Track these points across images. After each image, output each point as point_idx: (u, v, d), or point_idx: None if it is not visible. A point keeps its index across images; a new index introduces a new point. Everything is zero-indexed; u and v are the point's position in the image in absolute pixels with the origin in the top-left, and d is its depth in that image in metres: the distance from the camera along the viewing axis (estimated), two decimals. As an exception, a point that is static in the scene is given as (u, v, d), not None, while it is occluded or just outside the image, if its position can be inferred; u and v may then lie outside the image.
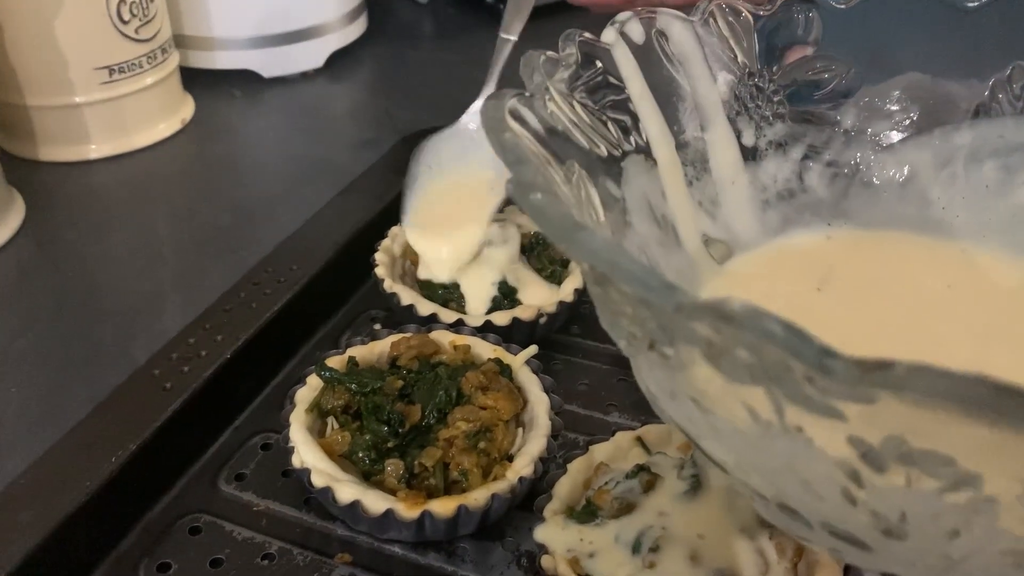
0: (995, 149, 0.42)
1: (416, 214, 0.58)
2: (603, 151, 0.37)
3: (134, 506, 0.45)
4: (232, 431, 0.50)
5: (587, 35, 0.38)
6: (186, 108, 0.83)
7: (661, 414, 0.32)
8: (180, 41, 0.84)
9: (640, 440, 0.44)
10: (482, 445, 0.43)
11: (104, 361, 0.54)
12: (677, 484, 0.40)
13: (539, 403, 0.46)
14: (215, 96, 0.86)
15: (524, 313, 0.53)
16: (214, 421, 0.50)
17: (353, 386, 0.45)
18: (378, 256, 0.57)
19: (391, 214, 0.59)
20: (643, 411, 0.50)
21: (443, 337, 0.49)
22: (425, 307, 0.53)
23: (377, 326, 0.54)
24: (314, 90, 0.89)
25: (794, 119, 0.44)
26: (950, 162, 0.43)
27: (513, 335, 0.52)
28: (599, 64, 0.38)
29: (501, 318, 0.52)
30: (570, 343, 0.56)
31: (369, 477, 0.43)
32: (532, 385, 0.47)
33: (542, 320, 0.53)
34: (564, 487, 0.42)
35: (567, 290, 0.55)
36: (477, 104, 0.62)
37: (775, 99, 0.43)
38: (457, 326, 0.51)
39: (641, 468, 0.41)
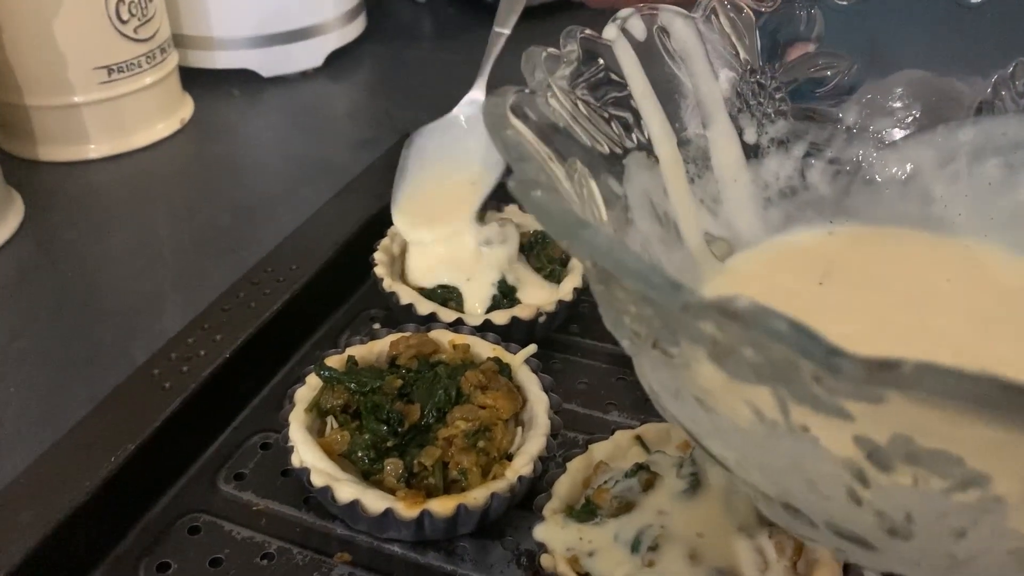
0: (998, 146, 0.42)
1: (406, 202, 0.59)
2: (605, 148, 0.37)
3: (133, 506, 0.45)
4: (231, 431, 0.50)
5: (588, 32, 0.38)
6: (185, 108, 0.82)
7: (664, 413, 0.32)
8: (179, 41, 0.84)
9: (639, 439, 0.43)
10: (481, 444, 0.43)
11: (104, 361, 0.54)
12: (676, 483, 0.40)
13: (538, 402, 0.46)
14: (214, 96, 0.86)
15: (523, 312, 0.53)
16: (213, 421, 0.49)
17: (352, 385, 0.45)
18: (377, 255, 0.56)
19: (390, 214, 0.59)
20: (642, 410, 0.50)
21: (442, 336, 0.49)
22: (424, 306, 0.53)
23: (376, 325, 0.54)
24: (313, 90, 0.89)
25: (796, 116, 0.43)
26: (953, 159, 0.43)
27: (512, 334, 0.52)
28: (601, 61, 0.38)
29: (500, 317, 0.52)
30: (569, 342, 0.56)
31: (368, 476, 0.43)
32: (531, 384, 0.47)
33: (541, 319, 0.53)
34: (563, 486, 0.42)
35: (566, 289, 0.54)
36: (469, 96, 0.62)
37: (777, 96, 0.43)
38: (456, 325, 0.51)
39: (640, 467, 0.41)
